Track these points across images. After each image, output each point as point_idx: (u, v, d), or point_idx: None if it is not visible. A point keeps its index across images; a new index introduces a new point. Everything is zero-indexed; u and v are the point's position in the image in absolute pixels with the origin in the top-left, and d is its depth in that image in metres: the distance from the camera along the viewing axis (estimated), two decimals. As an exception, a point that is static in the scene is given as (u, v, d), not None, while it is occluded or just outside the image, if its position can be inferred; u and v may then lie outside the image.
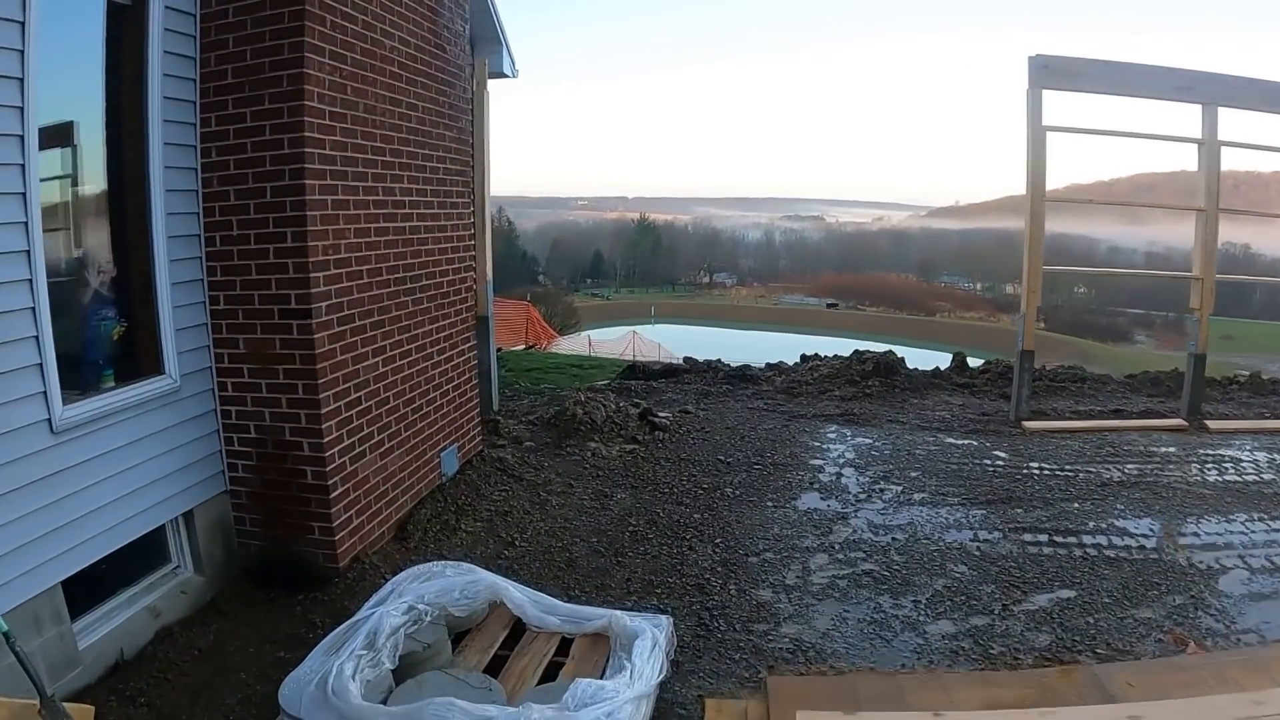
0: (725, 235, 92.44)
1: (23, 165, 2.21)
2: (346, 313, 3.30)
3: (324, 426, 3.12)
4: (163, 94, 2.82)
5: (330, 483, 3.17)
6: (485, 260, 5.41)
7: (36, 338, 2.29)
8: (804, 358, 7.71)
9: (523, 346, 14.36)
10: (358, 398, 3.36)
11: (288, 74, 2.96)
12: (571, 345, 18.40)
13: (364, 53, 3.31)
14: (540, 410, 5.71)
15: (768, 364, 7.66)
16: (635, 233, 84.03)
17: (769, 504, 4.01)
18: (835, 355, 7.42)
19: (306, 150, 2.97)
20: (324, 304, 3.15)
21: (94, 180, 2.77)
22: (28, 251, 2.25)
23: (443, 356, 4.04)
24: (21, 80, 2.19)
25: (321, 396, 3.11)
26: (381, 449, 3.47)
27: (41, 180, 2.29)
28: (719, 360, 8.05)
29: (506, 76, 5.77)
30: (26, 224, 2.26)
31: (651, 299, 67.43)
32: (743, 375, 7.23)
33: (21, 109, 2.19)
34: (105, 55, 2.70)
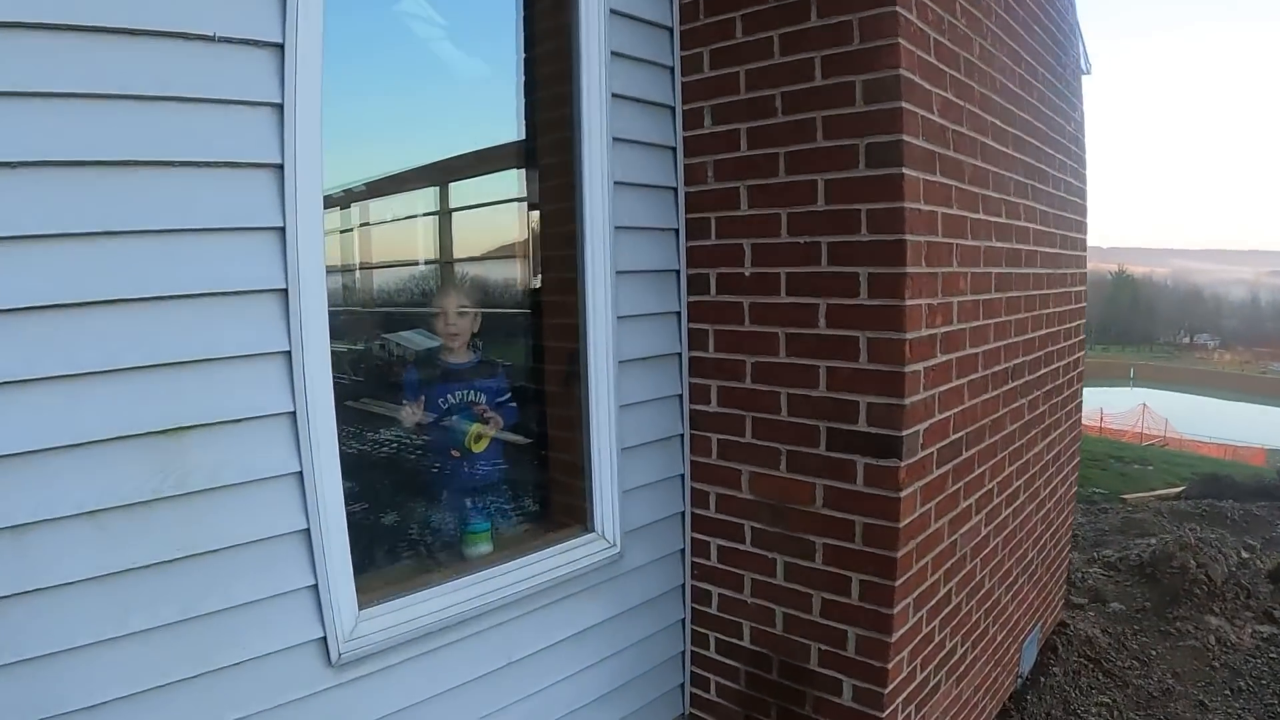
0: (1206, 292, 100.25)
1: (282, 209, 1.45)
2: (951, 439, 2.15)
3: (892, 658, 1.99)
4: (608, 89, 1.96)
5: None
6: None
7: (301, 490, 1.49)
8: None
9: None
10: (946, 593, 2.22)
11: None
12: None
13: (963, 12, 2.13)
14: (1111, 540, 4.38)
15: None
16: (1112, 286, 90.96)
17: None
18: None
19: (905, 141, 1.88)
20: (922, 425, 1.86)
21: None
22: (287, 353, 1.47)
23: (1048, 489, 3.10)
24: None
25: (897, 603, 1.98)
26: (960, 669, 2.42)
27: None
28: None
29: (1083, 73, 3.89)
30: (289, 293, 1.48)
31: (1128, 359, 71.24)
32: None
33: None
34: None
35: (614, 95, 1.98)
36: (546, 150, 2.16)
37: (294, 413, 1.40)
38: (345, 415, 1.55)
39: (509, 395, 2.20)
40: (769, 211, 2.08)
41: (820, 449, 2.03)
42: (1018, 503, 2.66)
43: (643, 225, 2.06)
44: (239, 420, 1.35)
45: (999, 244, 2.41)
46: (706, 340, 2.19)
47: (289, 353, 1.40)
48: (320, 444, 1.42)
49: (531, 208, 2.31)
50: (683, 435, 2.19)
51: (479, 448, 2.07)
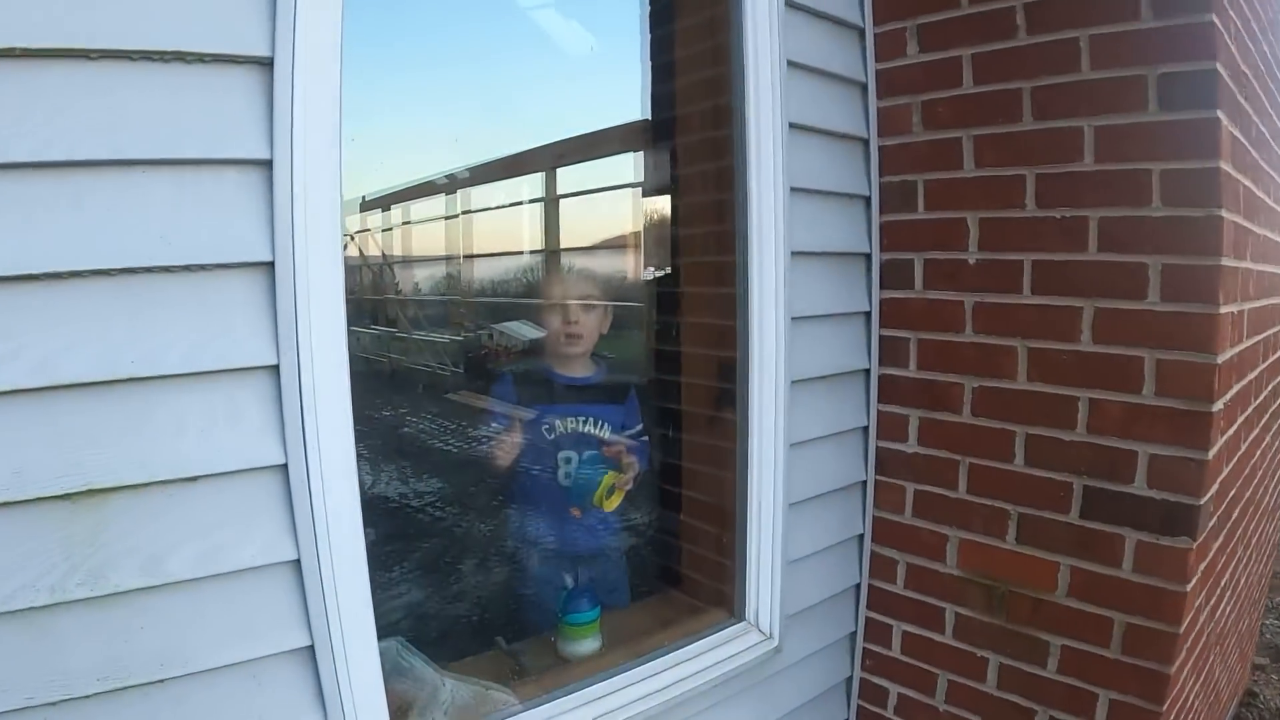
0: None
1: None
2: (1227, 500, 1.69)
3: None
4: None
5: None
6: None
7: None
8: None
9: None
10: (1192, 700, 1.45)
11: None
12: None
13: None
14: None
15: None
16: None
17: None
18: None
19: (1219, 72, 1.38)
20: (1214, 487, 1.35)
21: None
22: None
23: (1266, 536, 2.28)
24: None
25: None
26: None
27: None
28: None
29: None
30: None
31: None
32: None
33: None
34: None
35: (786, 3, 1.46)
36: (690, 94, 1.67)
37: (285, 465, 0.97)
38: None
39: (641, 428, 1.73)
40: (1007, 172, 1.53)
41: (1070, 515, 1.50)
42: (1248, 560, 2.05)
43: (823, 188, 1.54)
44: (191, 479, 0.92)
45: (1266, 231, 1.80)
46: (906, 353, 1.66)
47: (276, 367, 0.96)
48: (334, 512, 0.99)
49: (653, 193, 1.83)
50: (865, 483, 1.67)
51: (610, 505, 1.59)
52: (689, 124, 1.69)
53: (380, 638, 1.22)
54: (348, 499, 1.01)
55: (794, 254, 1.46)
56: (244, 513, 0.96)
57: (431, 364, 6.44)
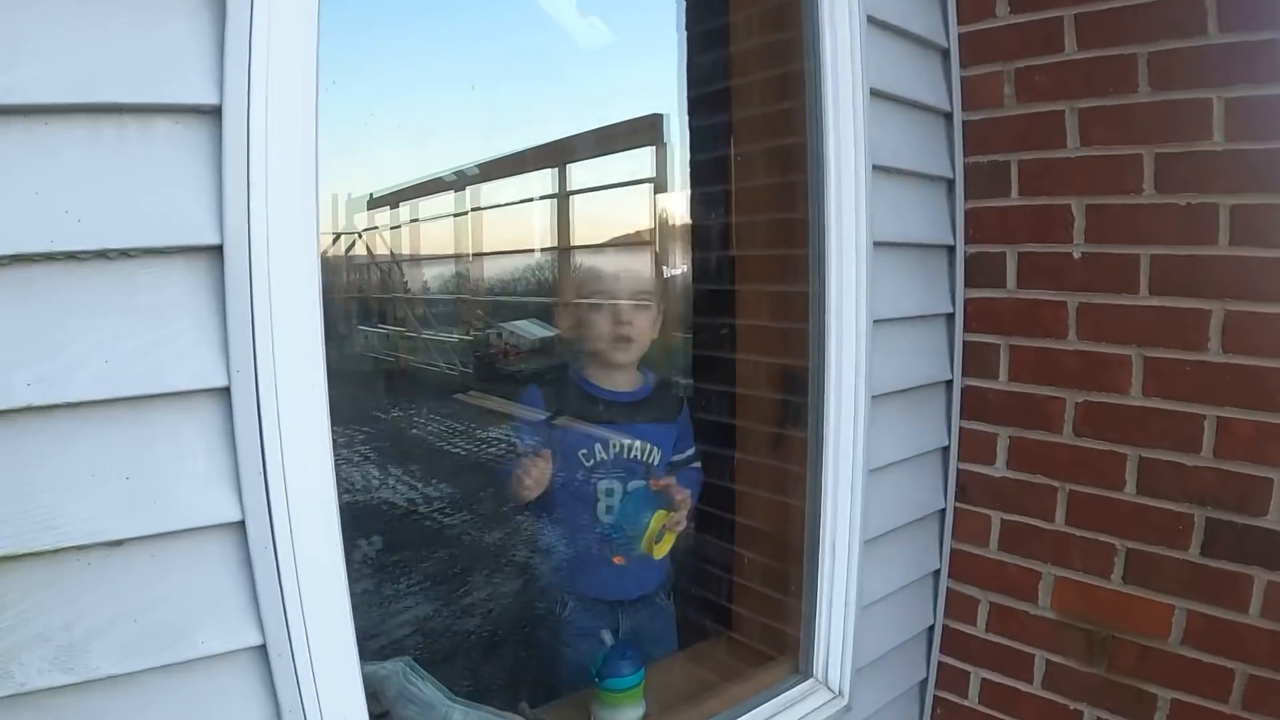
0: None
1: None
2: None
3: None
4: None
5: None
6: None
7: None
8: None
9: None
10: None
11: None
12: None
13: None
14: None
15: None
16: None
17: None
18: None
19: None
20: None
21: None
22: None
23: None
24: None
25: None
26: None
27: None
28: None
29: None
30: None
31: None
32: None
33: None
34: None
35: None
36: (746, 62, 1.46)
37: (243, 522, 0.76)
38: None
39: (694, 450, 1.51)
40: (1120, 152, 1.34)
41: (1189, 552, 1.32)
42: None
43: (905, 167, 1.34)
44: (115, 543, 0.71)
45: None
46: (995, 362, 1.47)
47: (228, 389, 0.74)
48: (310, 585, 0.78)
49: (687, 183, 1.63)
50: (944, 511, 1.47)
51: (660, 551, 1.37)
52: (745, 96, 1.48)
53: (385, 658, 1.13)
54: (327, 564, 0.80)
55: (875, 245, 1.26)
56: (191, 586, 0.75)
57: (440, 363, 6.47)
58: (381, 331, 7.24)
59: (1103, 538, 1.40)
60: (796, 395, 1.30)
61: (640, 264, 1.48)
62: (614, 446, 1.41)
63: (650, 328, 1.41)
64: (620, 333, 1.37)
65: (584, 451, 1.39)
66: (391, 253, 7.49)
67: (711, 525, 1.60)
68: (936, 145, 1.45)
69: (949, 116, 1.46)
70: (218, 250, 0.73)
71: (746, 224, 1.50)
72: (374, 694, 1.30)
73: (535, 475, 1.28)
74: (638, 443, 1.43)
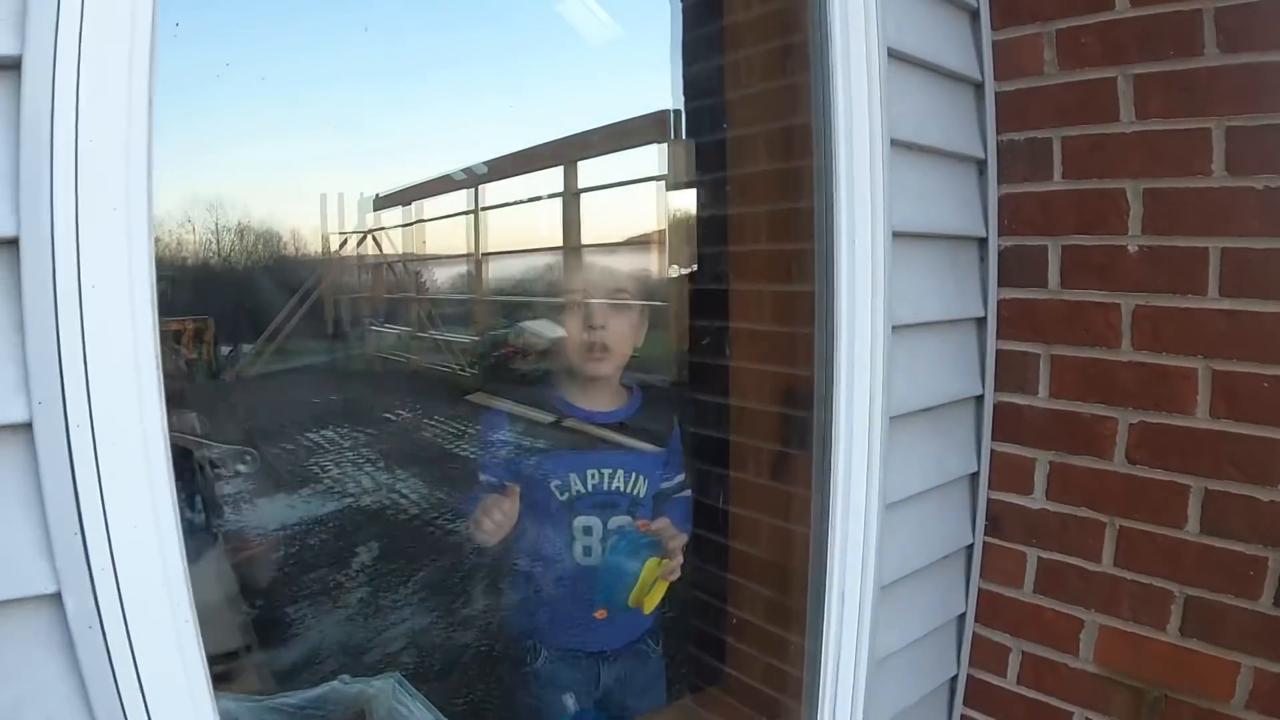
0: None
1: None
2: None
3: None
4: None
5: None
6: None
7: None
8: None
9: None
10: None
11: None
12: None
13: None
14: None
15: None
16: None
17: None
18: None
19: None
20: None
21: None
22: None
23: None
24: None
25: None
26: None
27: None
28: None
29: None
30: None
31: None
32: None
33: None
34: None
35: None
36: (739, 34, 1.27)
37: (59, 594, 0.57)
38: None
39: (684, 478, 1.32)
40: (1185, 125, 1.15)
41: (1260, 601, 1.14)
42: None
43: (928, 144, 1.15)
44: None
45: None
46: (1034, 374, 1.27)
47: (29, 425, 0.56)
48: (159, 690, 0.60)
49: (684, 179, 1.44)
50: (971, 547, 1.28)
51: (651, 604, 1.18)
52: (741, 72, 1.29)
53: (375, 673, 1.09)
54: (171, 653, 0.61)
55: (895, 235, 1.07)
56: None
57: (451, 365, 6.40)
58: (392, 332, 7.21)
59: (1158, 582, 1.21)
60: (794, 408, 1.11)
61: (618, 261, 1.30)
62: (592, 476, 1.22)
63: (630, 334, 1.23)
64: (591, 339, 1.18)
65: (557, 483, 1.21)
66: (402, 252, 7.44)
67: (704, 561, 1.41)
68: (965, 120, 1.24)
69: (979, 87, 1.26)
70: (14, 243, 0.55)
71: (744, 215, 1.30)
72: (360, 713, 1.24)
73: (496, 518, 1.10)
74: (620, 471, 1.24)
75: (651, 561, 1.18)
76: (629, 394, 1.29)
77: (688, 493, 1.38)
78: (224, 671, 1.41)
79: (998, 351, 1.30)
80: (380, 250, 7.48)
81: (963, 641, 1.36)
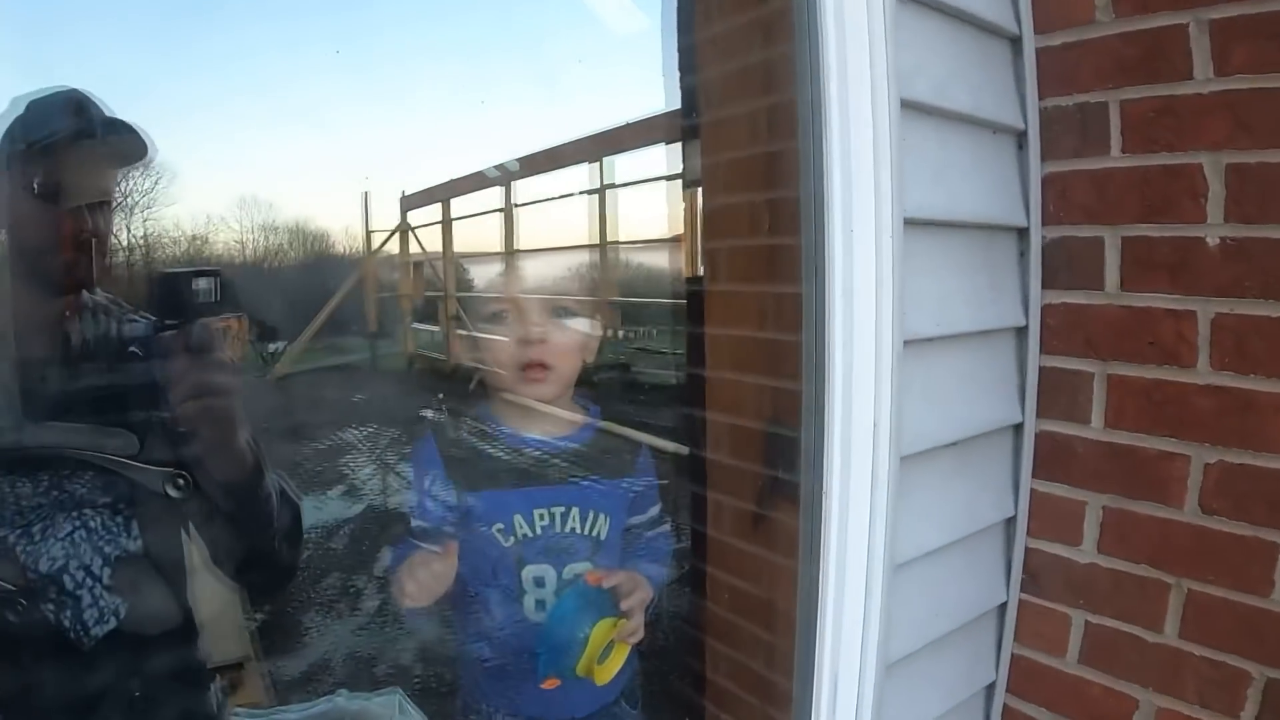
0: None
1: None
2: None
3: None
4: None
5: None
6: None
7: None
8: None
9: None
10: None
11: None
12: None
13: None
14: None
15: None
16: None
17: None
18: None
19: None
20: None
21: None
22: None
23: None
24: None
25: None
26: None
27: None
28: None
29: None
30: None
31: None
32: None
33: None
34: None
35: None
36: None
37: None
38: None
39: (660, 509, 1.13)
40: (1277, 84, 0.91)
41: None
42: None
43: (949, 108, 0.93)
44: None
45: None
46: (1086, 398, 1.04)
47: None
48: None
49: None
50: (1004, 605, 1.06)
51: (606, 674, 1.00)
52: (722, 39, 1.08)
53: (378, 687, 1.14)
54: None
55: (907, 223, 0.85)
56: None
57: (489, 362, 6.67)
58: (430, 330, 7.24)
59: (1233, 660, 0.98)
60: (781, 425, 0.90)
61: (566, 265, 1.11)
62: (541, 518, 1.03)
63: (576, 350, 1.03)
64: (528, 357, 0.99)
65: (500, 526, 1.02)
66: (441, 251, 7.41)
67: (682, 615, 1.21)
68: (1000, 81, 1.02)
69: (1016, 41, 1.03)
70: None
71: (720, 206, 1.08)
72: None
73: (423, 579, 0.92)
74: (575, 510, 1.04)
75: (604, 623, 0.98)
76: (583, 416, 1.09)
77: (666, 528, 1.18)
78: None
79: (1041, 369, 1.06)
80: (422, 248, 7.53)
81: (990, 715, 1.15)
